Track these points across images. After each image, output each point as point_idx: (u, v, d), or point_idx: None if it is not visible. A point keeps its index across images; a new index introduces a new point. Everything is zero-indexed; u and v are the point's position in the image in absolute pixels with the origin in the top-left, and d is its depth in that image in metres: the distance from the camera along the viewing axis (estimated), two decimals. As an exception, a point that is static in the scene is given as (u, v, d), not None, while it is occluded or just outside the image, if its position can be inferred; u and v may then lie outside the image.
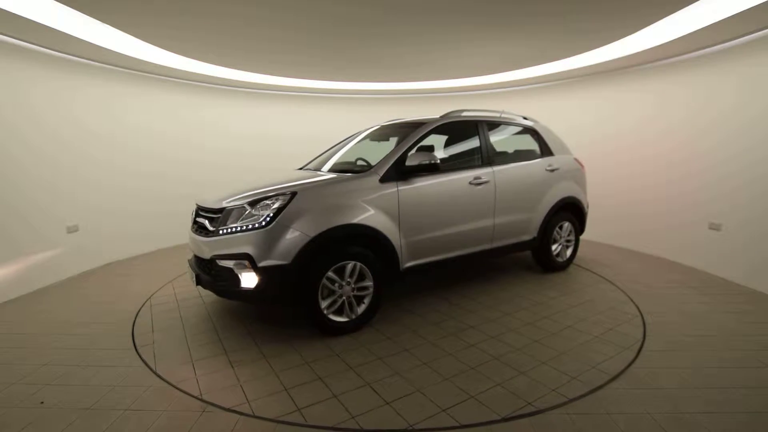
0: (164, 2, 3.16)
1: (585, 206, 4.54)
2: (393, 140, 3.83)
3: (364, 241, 3.01)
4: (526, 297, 3.65)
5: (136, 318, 3.30)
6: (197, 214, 3.18)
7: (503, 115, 4.14)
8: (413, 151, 3.30)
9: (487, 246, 3.74)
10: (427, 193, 3.30)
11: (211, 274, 2.90)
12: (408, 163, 3.17)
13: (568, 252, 4.44)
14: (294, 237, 2.71)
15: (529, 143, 4.26)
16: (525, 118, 4.33)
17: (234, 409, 2.12)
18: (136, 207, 5.39)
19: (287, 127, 7.07)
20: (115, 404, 2.15)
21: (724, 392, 2.20)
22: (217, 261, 2.81)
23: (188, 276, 3.52)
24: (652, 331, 2.96)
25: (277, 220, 2.71)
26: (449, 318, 3.25)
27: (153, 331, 3.07)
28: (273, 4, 3.20)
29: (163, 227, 5.69)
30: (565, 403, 2.13)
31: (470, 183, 3.53)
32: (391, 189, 3.12)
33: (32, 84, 4.15)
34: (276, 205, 2.76)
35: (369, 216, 2.98)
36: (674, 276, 4.25)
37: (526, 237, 4.03)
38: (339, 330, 2.94)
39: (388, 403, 2.16)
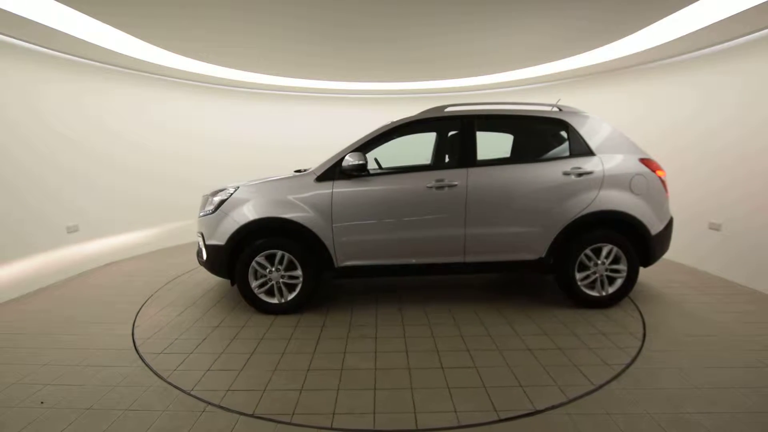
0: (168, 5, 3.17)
1: (652, 226, 3.29)
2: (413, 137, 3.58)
3: (293, 235, 3.25)
4: (490, 326, 3.06)
5: (136, 318, 3.30)
6: None
7: (522, 106, 3.53)
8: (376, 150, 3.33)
9: (457, 259, 3.28)
10: (366, 195, 3.21)
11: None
12: (344, 163, 3.16)
13: (612, 287, 3.35)
14: (228, 224, 3.23)
15: (557, 140, 3.49)
16: (560, 109, 3.49)
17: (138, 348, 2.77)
18: (137, 207, 5.39)
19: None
20: (115, 404, 2.15)
21: (724, 392, 2.20)
22: (198, 238, 3.54)
23: None
24: (652, 331, 2.96)
25: (220, 208, 3.28)
26: (369, 326, 3.10)
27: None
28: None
29: (163, 227, 5.69)
30: (565, 403, 2.12)
31: (428, 186, 3.19)
32: (326, 189, 3.22)
33: (33, 84, 4.15)
34: (222, 197, 3.31)
35: (294, 211, 3.19)
36: (674, 276, 4.25)
37: (528, 256, 3.29)
38: (269, 309, 3.33)
39: (165, 379, 2.41)
